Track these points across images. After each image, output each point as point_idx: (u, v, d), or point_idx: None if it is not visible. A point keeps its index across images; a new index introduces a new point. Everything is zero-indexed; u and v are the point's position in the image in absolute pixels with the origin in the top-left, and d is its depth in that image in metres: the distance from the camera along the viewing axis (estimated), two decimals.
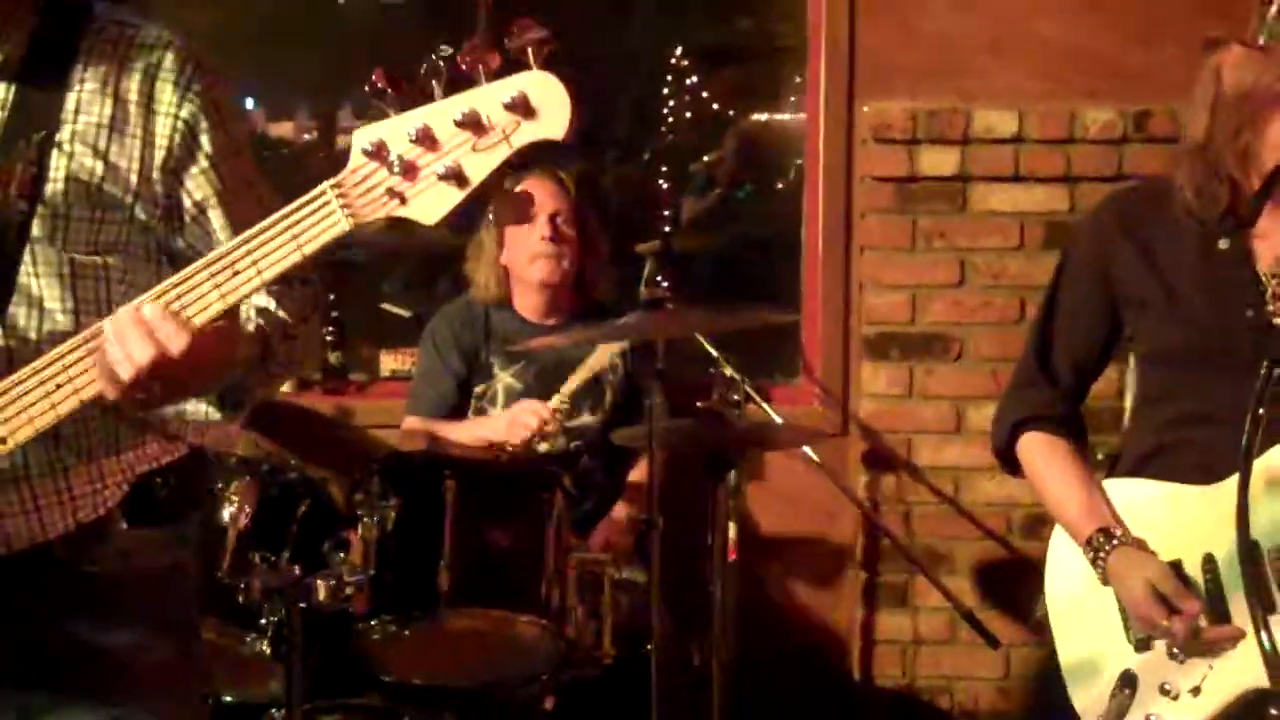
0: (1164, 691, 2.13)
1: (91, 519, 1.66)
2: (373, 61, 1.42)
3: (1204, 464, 2.10)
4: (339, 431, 3.09)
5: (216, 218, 1.69)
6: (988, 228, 3.76)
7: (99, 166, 1.65)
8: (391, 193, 1.40)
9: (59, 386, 1.50)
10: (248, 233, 1.44)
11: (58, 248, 1.63)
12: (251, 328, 1.66)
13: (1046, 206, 3.74)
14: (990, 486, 3.81)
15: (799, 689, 3.80)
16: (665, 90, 5.03)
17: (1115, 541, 2.16)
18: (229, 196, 1.70)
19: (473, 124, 1.36)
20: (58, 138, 1.64)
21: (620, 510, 3.42)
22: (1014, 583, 3.78)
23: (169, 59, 1.68)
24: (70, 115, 1.65)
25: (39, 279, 1.63)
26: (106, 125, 1.66)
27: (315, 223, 1.41)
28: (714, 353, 3.32)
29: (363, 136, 1.39)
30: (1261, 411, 1.75)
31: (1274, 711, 1.76)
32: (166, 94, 1.67)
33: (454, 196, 1.39)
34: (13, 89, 1.65)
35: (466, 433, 3.37)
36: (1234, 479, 1.88)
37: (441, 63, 1.35)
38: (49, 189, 1.62)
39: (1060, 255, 2.40)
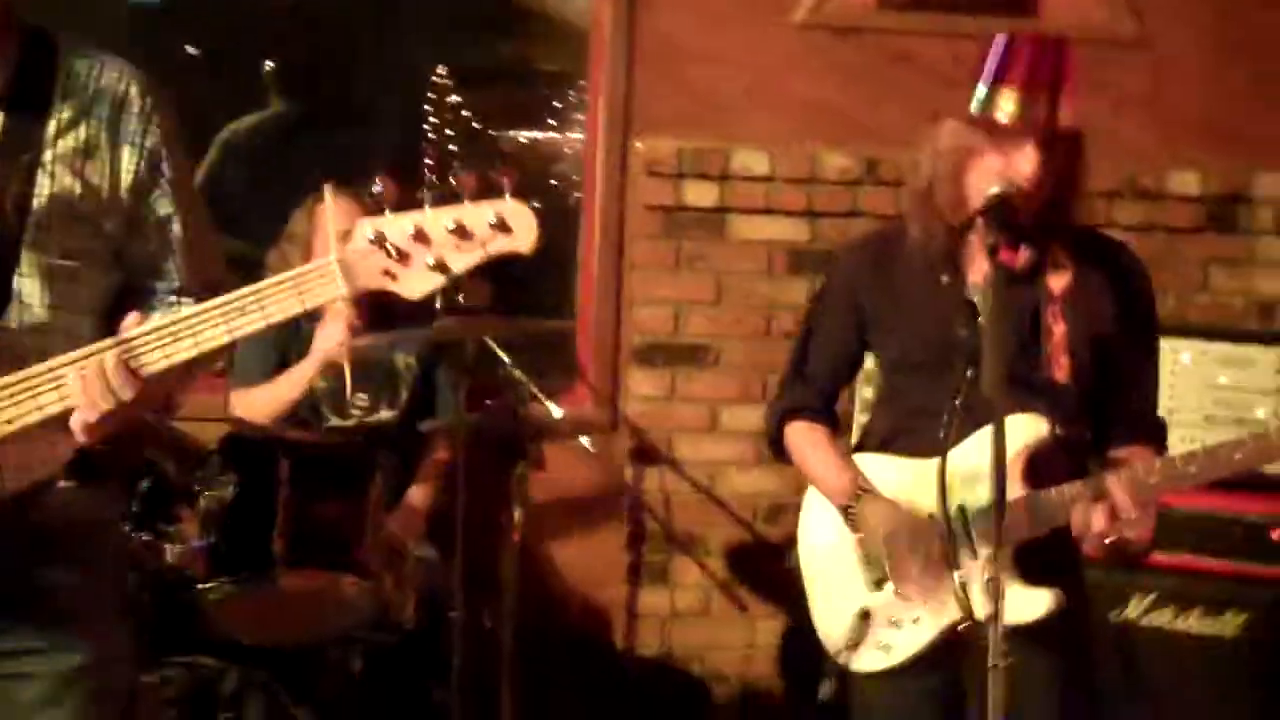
0: (892, 623, 2.58)
1: (43, 478, 1.94)
2: None
3: (928, 444, 2.49)
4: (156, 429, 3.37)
5: (176, 228, 2.04)
6: (742, 254, 4.23)
7: (77, 185, 1.96)
8: (386, 272, 1.78)
9: (38, 398, 1.82)
10: (256, 285, 1.80)
11: (39, 254, 1.93)
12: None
13: (791, 237, 4.22)
14: (740, 479, 4.31)
15: (573, 657, 4.19)
16: (427, 107, 5.31)
17: (868, 494, 2.59)
18: (184, 210, 2.04)
19: (459, 231, 1.76)
20: (42, 159, 1.93)
21: (415, 494, 3.76)
22: (759, 561, 4.30)
23: (134, 92, 2.00)
24: (51, 140, 1.94)
25: (24, 279, 1.94)
26: (82, 149, 1.96)
27: (319, 284, 1.79)
28: (503, 356, 3.73)
29: (367, 226, 1.77)
30: (958, 401, 2.27)
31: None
32: (132, 124, 2.00)
33: (436, 280, 1.79)
34: (2, 116, 1.92)
35: (288, 384, 3.66)
36: (954, 451, 2.42)
37: (429, 191, 1.76)
38: (35, 204, 1.92)
39: (821, 283, 2.85)
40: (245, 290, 1.81)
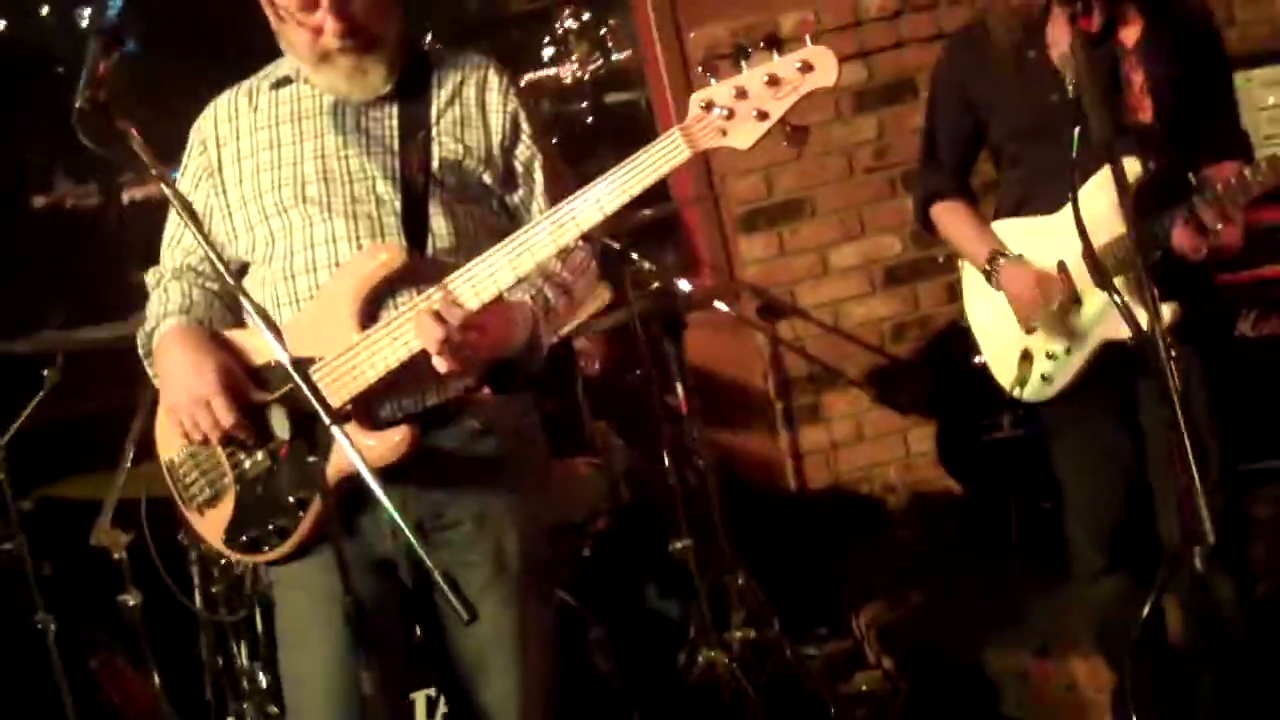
0: (1049, 356, 2.98)
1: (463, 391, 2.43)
2: None
3: (1049, 203, 2.90)
4: None
5: (538, 174, 2.51)
6: (811, 107, 4.49)
7: (459, 149, 2.46)
8: (718, 129, 2.12)
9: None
10: (616, 168, 2.19)
11: (442, 199, 2.43)
12: (527, 311, 2.43)
13: (849, 80, 4.42)
14: (860, 310, 4.67)
15: (755, 504, 4.55)
16: None
17: (1003, 258, 2.99)
18: (545, 160, 2.52)
19: (773, 81, 2.09)
20: (433, 133, 2.45)
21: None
22: (895, 379, 4.68)
23: (492, 75, 2.51)
24: (435, 119, 2.46)
25: (435, 218, 2.43)
26: (460, 122, 2.48)
27: (665, 154, 2.15)
28: (628, 251, 4.06)
29: (699, 97, 2.12)
30: (1075, 156, 2.61)
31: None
32: (494, 98, 2.50)
33: (760, 128, 2.11)
34: (397, 107, 2.46)
35: None
36: (1068, 208, 2.72)
37: (747, 49, 2.10)
38: (434, 166, 2.43)
39: (930, 84, 3.18)
40: (606, 175, 2.19)
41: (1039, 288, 2.95)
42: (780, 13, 4.51)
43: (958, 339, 4.02)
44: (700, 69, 2.14)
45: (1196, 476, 2.37)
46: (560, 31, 5.37)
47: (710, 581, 3.78)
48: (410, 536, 2.01)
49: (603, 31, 5.32)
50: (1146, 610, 2.90)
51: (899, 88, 4.57)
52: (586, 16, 5.32)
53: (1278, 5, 4.72)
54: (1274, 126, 4.24)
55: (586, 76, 5.35)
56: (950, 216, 3.15)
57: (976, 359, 3.17)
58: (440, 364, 2.28)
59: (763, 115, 2.08)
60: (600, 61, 5.28)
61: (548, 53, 5.42)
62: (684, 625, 3.88)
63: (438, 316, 2.25)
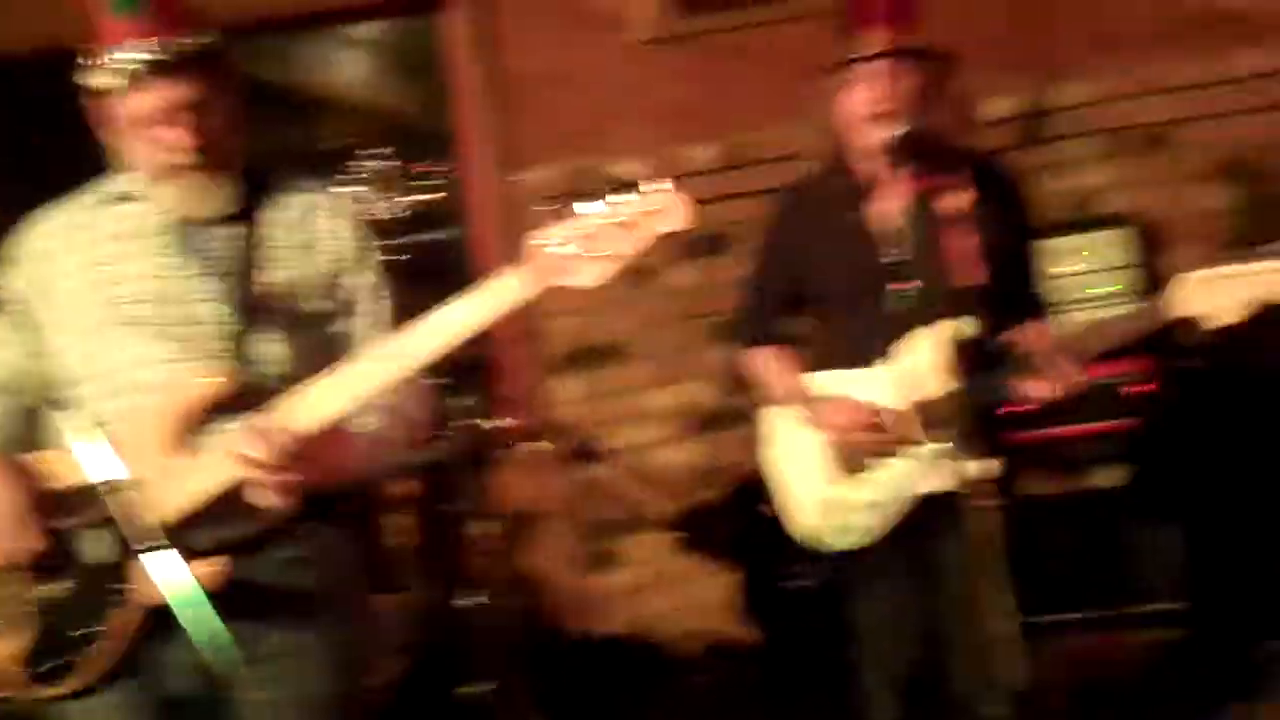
0: (856, 507, 2.99)
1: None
2: None
3: (870, 355, 2.96)
4: None
5: (373, 304, 2.48)
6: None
7: (296, 275, 2.41)
8: (565, 268, 2.10)
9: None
10: (450, 303, 2.16)
11: (275, 324, 2.37)
12: (360, 440, 2.37)
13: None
14: (670, 455, 4.70)
15: (547, 646, 4.45)
16: None
17: (822, 398, 3.00)
18: (379, 290, 2.49)
19: (623, 223, 2.08)
20: (270, 257, 2.39)
21: None
22: (699, 525, 4.70)
23: (331, 202, 2.48)
24: (274, 243, 2.41)
25: (266, 343, 2.38)
26: (298, 248, 2.42)
27: (504, 291, 2.15)
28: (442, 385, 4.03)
29: (545, 233, 2.10)
30: (899, 313, 2.72)
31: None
32: (333, 226, 2.46)
33: (607, 269, 2.10)
34: (238, 228, 2.40)
35: None
36: (890, 361, 2.89)
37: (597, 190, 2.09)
38: (269, 290, 2.37)
39: (760, 234, 3.21)
40: (437, 310, 2.18)
41: (861, 421, 2.95)
42: (611, 159, 4.57)
43: (762, 488, 4.11)
44: (550, 204, 2.11)
45: (1005, 625, 2.43)
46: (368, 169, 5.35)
47: None
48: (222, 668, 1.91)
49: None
50: None
51: (721, 240, 4.65)
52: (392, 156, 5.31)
53: (1068, 178, 5.00)
54: (1056, 295, 4.45)
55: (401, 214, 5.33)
56: (768, 364, 3.18)
57: (766, 508, 3.20)
58: (253, 494, 2.21)
59: (609, 255, 2.09)
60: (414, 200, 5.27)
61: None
62: None
63: (258, 441, 2.17)
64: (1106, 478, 4.19)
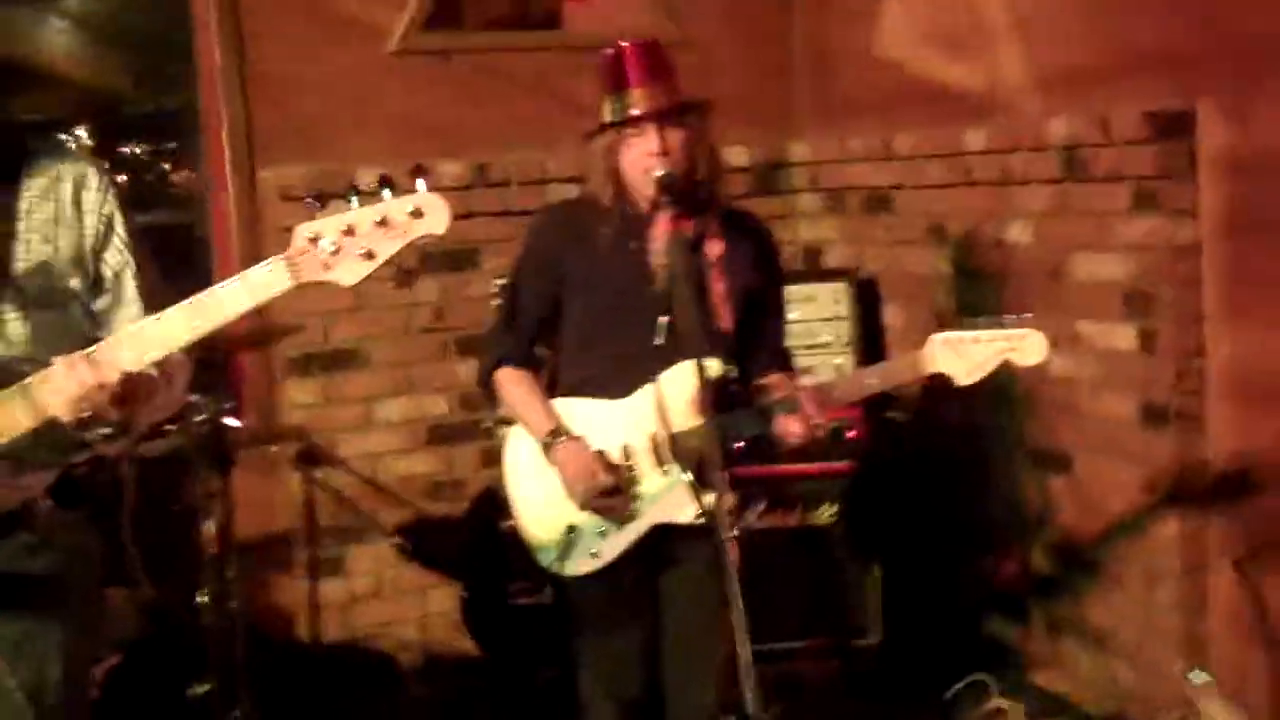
0: (598, 534, 3.09)
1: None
2: None
3: (619, 386, 3.06)
4: None
5: (129, 282, 2.36)
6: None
7: (48, 250, 2.30)
8: (322, 264, 2.07)
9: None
10: (212, 288, 2.09)
11: (19, 303, 2.26)
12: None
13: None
14: (399, 465, 4.74)
15: (263, 651, 4.31)
16: None
17: (563, 437, 3.07)
18: (136, 269, 2.38)
19: (383, 223, 2.06)
20: (19, 231, 2.28)
21: None
22: (425, 537, 4.75)
23: (90, 174, 2.35)
24: (24, 215, 2.30)
25: (10, 323, 2.26)
26: (52, 220, 2.30)
27: (267, 281, 2.08)
28: None
29: (306, 228, 2.06)
30: (658, 344, 2.85)
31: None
32: (91, 198, 2.34)
33: (367, 267, 2.06)
34: None
35: None
36: (639, 393, 3.01)
37: (359, 189, 2.07)
38: (17, 266, 2.27)
39: (523, 249, 3.24)
40: (203, 294, 2.11)
41: (596, 469, 3.05)
42: (358, 165, 4.56)
43: (490, 504, 4.19)
44: (313, 201, 2.12)
45: (743, 651, 2.57)
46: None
47: None
48: None
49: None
50: None
51: (463, 256, 4.74)
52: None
53: (800, 228, 5.29)
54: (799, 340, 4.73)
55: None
56: (515, 385, 3.19)
57: (507, 524, 3.24)
58: None
59: (370, 255, 2.07)
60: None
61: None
62: None
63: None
64: (823, 516, 4.45)
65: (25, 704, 2.30)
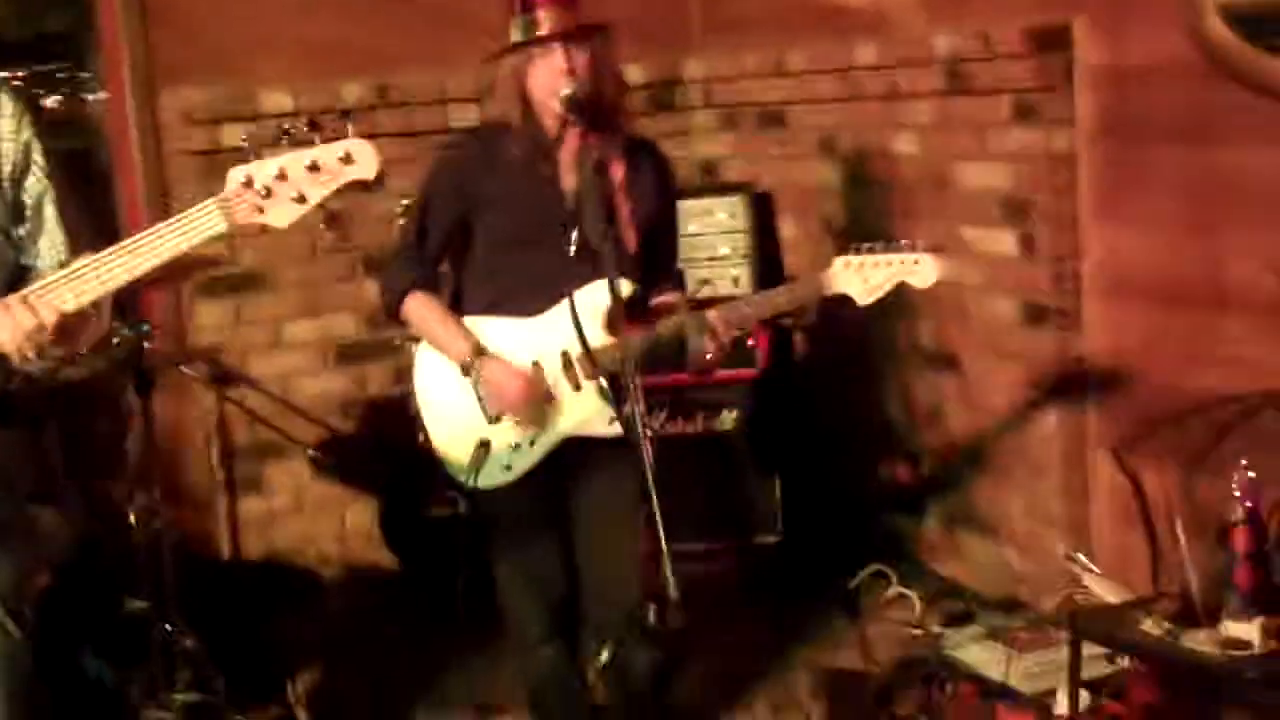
0: (512, 447, 3.19)
1: None
2: None
3: (530, 305, 3.15)
4: None
5: (49, 210, 2.40)
6: None
7: None
8: (256, 207, 2.15)
9: None
10: (149, 229, 2.16)
11: None
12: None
13: None
14: (310, 384, 4.84)
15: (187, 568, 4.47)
16: None
17: (485, 355, 3.15)
18: (56, 195, 2.43)
19: (314, 168, 2.15)
20: None
21: None
22: (340, 453, 4.85)
23: (5, 100, 2.38)
24: None
25: None
26: None
27: (201, 223, 2.16)
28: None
29: (239, 171, 2.13)
30: (570, 262, 2.96)
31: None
32: (6, 125, 2.37)
33: (299, 210, 2.16)
34: None
35: None
36: (551, 311, 3.10)
37: (290, 132, 2.15)
38: None
39: (429, 175, 3.27)
40: (139, 235, 2.19)
41: (523, 385, 3.16)
42: (260, 88, 4.62)
43: (403, 420, 4.28)
44: (243, 139, 2.21)
45: (663, 541, 2.71)
46: None
47: (158, 645, 3.75)
48: None
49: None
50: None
51: None
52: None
53: (695, 144, 5.41)
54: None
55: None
56: (428, 309, 3.24)
57: (422, 439, 3.31)
58: None
59: (301, 198, 2.16)
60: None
61: None
62: (119, 691, 3.80)
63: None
64: (726, 423, 4.64)
65: None
